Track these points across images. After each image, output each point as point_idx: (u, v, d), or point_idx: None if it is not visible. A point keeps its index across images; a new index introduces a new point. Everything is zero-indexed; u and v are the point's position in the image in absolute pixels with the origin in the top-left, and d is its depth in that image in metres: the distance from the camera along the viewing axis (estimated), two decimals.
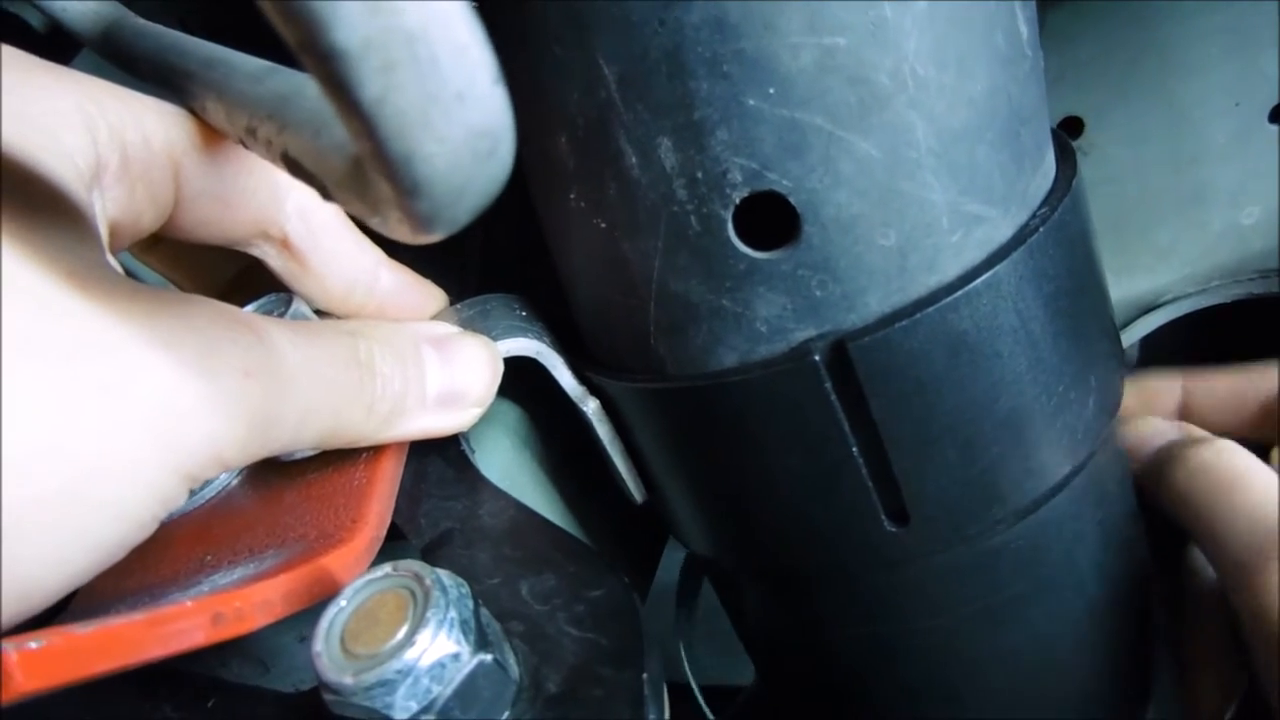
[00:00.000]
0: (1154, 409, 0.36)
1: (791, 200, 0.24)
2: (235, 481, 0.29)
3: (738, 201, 0.24)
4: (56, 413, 0.18)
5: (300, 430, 0.23)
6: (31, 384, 0.18)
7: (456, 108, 0.12)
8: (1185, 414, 0.36)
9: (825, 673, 0.34)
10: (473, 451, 0.31)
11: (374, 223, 0.16)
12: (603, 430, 0.31)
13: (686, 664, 0.38)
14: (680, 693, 0.41)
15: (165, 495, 0.20)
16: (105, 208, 0.24)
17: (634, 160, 0.25)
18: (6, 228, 0.19)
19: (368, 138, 0.12)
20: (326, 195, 0.17)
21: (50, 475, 0.18)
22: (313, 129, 0.18)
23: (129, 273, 0.38)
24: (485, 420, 0.29)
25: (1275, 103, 0.43)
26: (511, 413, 0.36)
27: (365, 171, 0.14)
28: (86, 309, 0.19)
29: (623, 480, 0.32)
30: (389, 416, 0.26)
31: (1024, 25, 0.26)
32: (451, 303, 0.33)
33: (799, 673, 0.36)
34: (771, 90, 0.23)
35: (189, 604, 0.20)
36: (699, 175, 0.24)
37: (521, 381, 0.31)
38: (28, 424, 0.17)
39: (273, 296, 0.30)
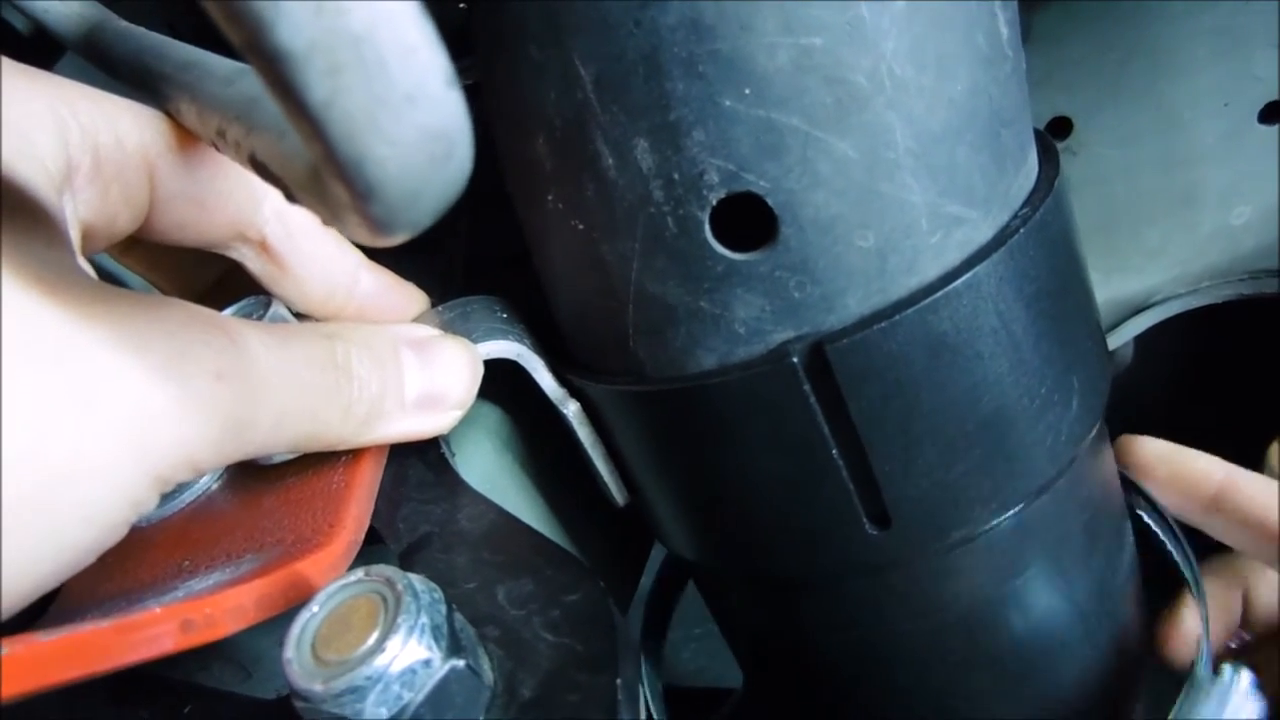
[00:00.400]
0: (1188, 490, 0.35)
1: (769, 201, 0.24)
2: (215, 486, 0.29)
3: (715, 203, 0.24)
4: (30, 417, 0.18)
5: (275, 433, 0.23)
6: (4, 389, 0.17)
7: (407, 110, 0.12)
8: (1214, 504, 0.35)
9: (811, 675, 0.34)
10: (453, 455, 0.31)
11: (335, 226, 0.16)
12: (583, 433, 0.31)
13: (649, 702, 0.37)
14: (666, 694, 0.41)
15: (136, 499, 0.20)
16: (78, 210, 0.24)
17: (611, 161, 0.24)
18: None
19: (318, 141, 0.12)
20: (291, 198, 0.17)
21: (24, 479, 0.18)
22: (277, 131, 0.17)
23: (109, 276, 0.38)
24: (466, 423, 0.29)
25: (1265, 103, 0.43)
26: (492, 415, 0.36)
27: (322, 175, 0.14)
28: (58, 314, 0.19)
29: (604, 483, 0.32)
30: (367, 419, 0.26)
31: (1005, 26, 0.26)
32: (433, 305, 0.33)
33: (786, 675, 0.36)
34: (748, 91, 0.23)
35: (158, 610, 0.20)
36: (676, 176, 0.24)
37: (503, 384, 0.31)
38: (2, 428, 0.17)
39: (252, 300, 0.30)
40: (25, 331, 0.18)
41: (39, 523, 0.18)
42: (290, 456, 0.28)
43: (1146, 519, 0.36)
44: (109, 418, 0.19)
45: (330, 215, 0.15)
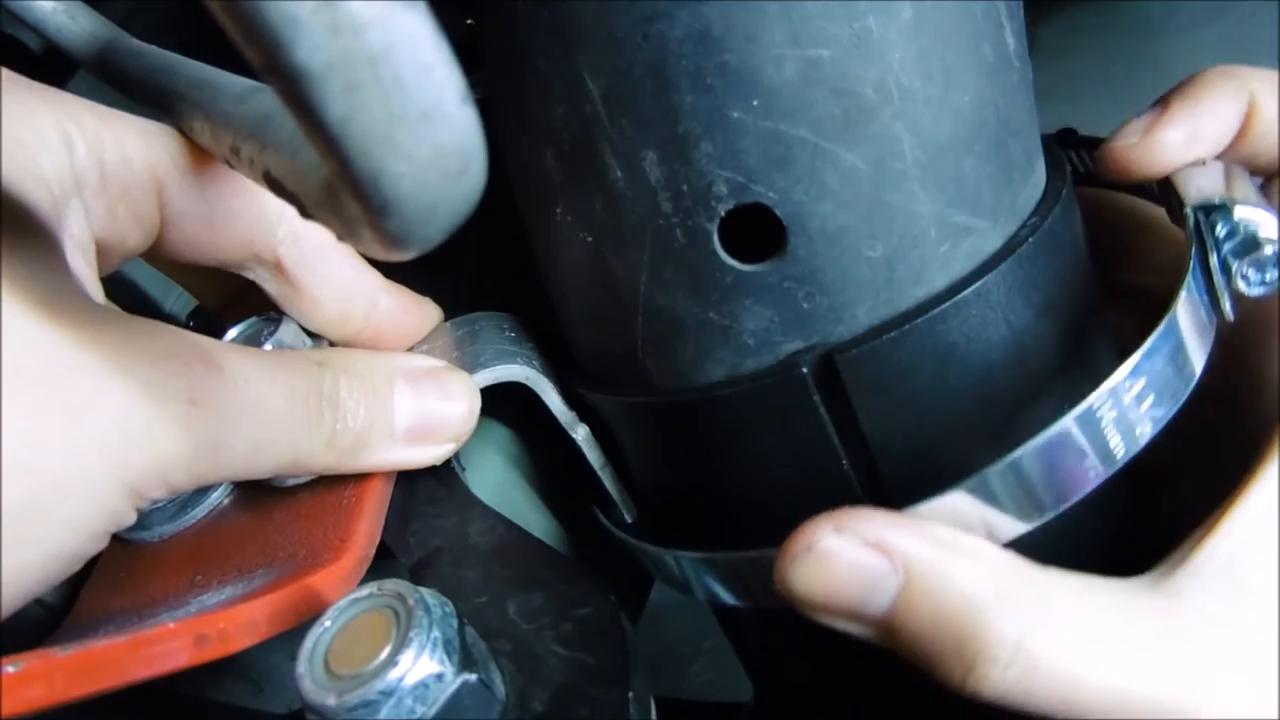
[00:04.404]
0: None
1: (777, 212, 0.24)
2: (226, 501, 0.29)
3: (723, 214, 0.24)
4: (26, 432, 0.19)
5: (253, 459, 0.24)
6: (4, 406, 0.19)
7: (423, 127, 0.12)
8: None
9: (824, 689, 0.34)
10: (463, 470, 0.31)
11: (350, 241, 0.16)
12: (593, 455, 0.31)
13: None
14: (676, 709, 0.41)
15: (114, 510, 0.21)
16: (90, 226, 0.24)
17: (619, 174, 0.25)
18: None
19: (334, 158, 0.12)
20: (306, 214, 0.17)
21: (21, 490, 0.19)
22: (291, 148, 0.18)
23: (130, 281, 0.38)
24: (476, 438, 0.29)
25: None
26: (502, 431, 0.36)
27: (338, 191, 0.14)
28: (54, 336, 0.20)
29: (613, 500, 0.32)
30: (352, 449, 0.26)
31: (1011, 37, 0.26)
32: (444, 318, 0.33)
33: (797, 689, 0.36)
34: (755, 102, 0.23)
35: (172, 625, 0.20)
36: (684, 188, 0.24)
37: (512, 400, 0.31)
38: (2, 443, 0.19)
39: (261, 318, 0.30)
40: (25, 352, 0.20)
41: (33, 531, 0.20)
42: (305, 479, 0.28)
43: None
44: (94, 435, 0.20)
45: (345, 231, 0.16)
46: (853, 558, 0.22)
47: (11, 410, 0.19)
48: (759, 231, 0.24)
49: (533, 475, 0.36)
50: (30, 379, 0.19)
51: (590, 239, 0.26)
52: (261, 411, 0.24)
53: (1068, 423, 0.23)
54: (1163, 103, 0.30)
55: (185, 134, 0.26)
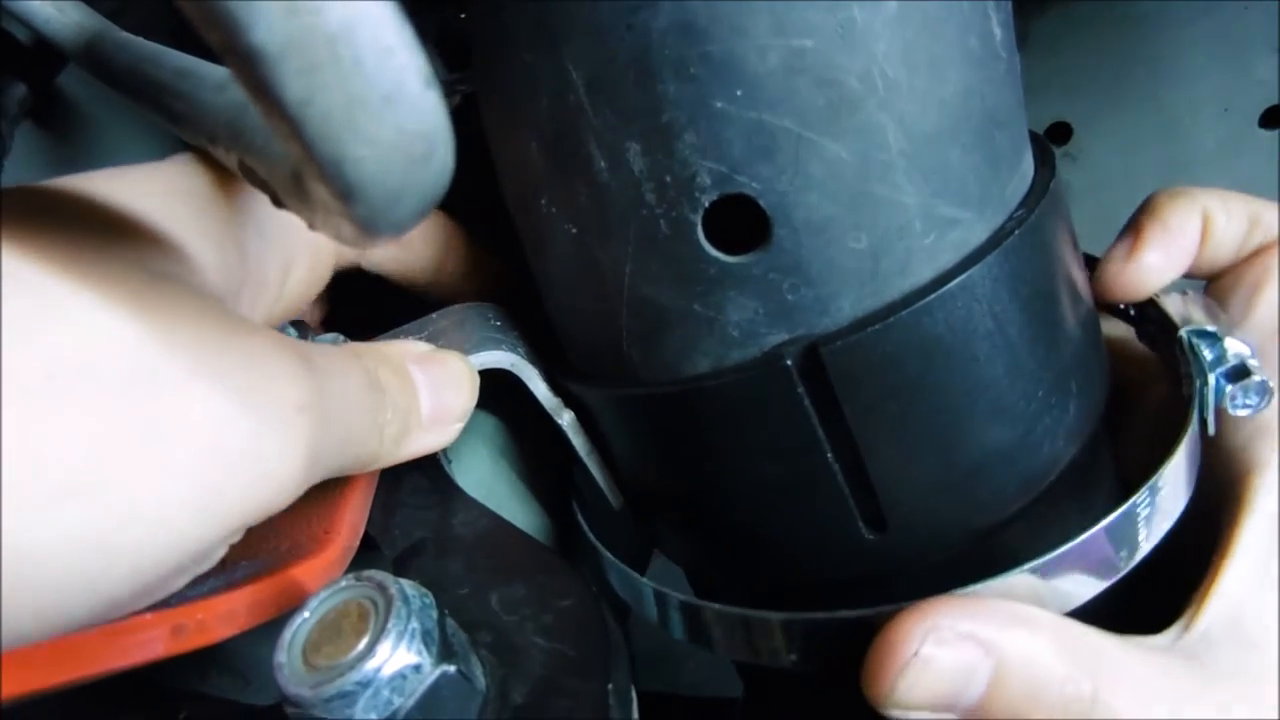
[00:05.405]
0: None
1: (761, 203, 0.24)
2: None
3: (707, 205, 0.24)
4: (84, 449, 0.16)
5: (334, 460, 0.22)
6: (60, 416, 0.16)
7: (385, 110, 0.12)
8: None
9: (812, 686, 0.34)
10: (449, 461, 0.31)
11: (321, 228, 0.16)
12: (578, 441, 0.31)
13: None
14: (669, 704, 0.41)
15: (194, 548, 0.19)
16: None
17: (603, 165, 0.24)
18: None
19: (296, 141, 0.12)
20: (278, 203, 0.17)
21: (67, 519, 0.16)
22: (263, 136, 0.17)
23: None
24: (462, 430, 0.29)
25: (1265, 108, 0.43)
26: (488, 422, 0.36)
27: (304, 177, 0.14)
28: (137, 336, 0.17)
29: (601, 489, 0.32)
30: (398, 437, 0.25)
31: (998, 27, 0.26)
32: (427, 312, 0.33)
33: (786, 685, 0.36)
34: (739, 93, 0.23)
35: (148, 615, 0.20)
36: (668, 179, 0.24)
37: (497, 391, 0.31)
38: (52, 460, 0.16)
39: None
40: (98, 352, 0.17)
41: (79, 569, 0.17)
42: None
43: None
44: (179, 453, 0.18)
45: (314, 217, 0.15)
46: (952, 657, 0.23)
47: (71, 422, 0.16)
48: (743, 222, 0.24)
49: (518, 467, 0.36)
50: (95, 379, 0.17)
51: (575, 230, 0.26)
52: (344, 406, 0.22)
53: (1113, 520, 0.25)
54: (1134, 228, 0.32)
55: (170, 124, 0.26)
